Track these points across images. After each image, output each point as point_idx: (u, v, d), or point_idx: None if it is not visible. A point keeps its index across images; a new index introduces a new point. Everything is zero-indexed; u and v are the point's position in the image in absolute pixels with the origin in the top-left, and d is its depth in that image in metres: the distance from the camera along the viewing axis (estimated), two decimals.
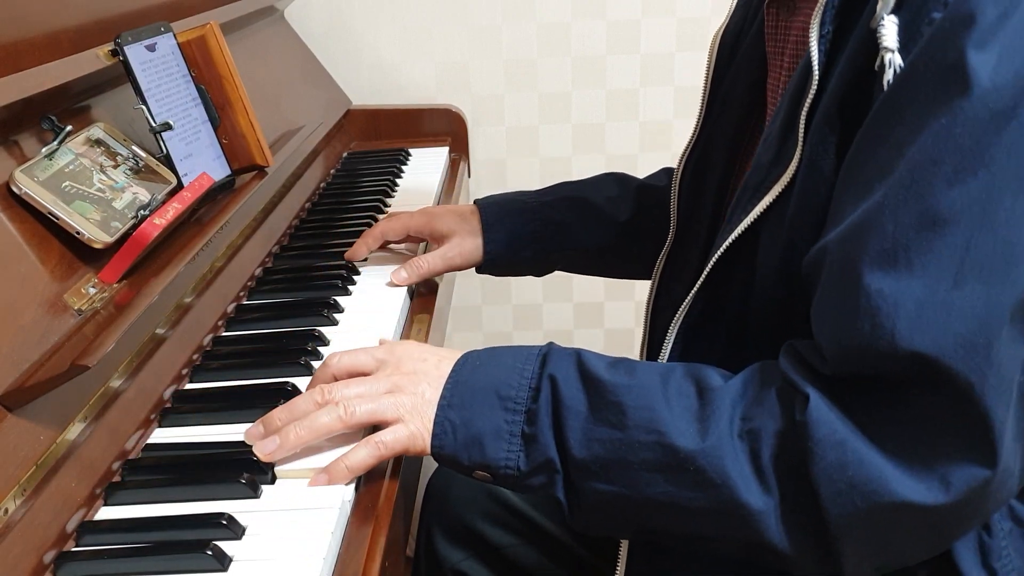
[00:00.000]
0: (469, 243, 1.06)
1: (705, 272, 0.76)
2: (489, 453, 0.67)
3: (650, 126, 1.80)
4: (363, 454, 0.69)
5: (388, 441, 0.69)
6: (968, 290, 0.55)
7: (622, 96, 1.77)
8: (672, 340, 0.80)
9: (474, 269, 1.09)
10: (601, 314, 1.91)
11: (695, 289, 0.77)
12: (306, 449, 0.71)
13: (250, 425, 0.74)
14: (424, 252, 1.13)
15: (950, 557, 0.65)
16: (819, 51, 0.65)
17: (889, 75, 0.58)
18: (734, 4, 0.91)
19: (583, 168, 1.82)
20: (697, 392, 0.65)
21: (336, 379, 0.74)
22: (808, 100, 0.66)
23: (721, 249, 0.74)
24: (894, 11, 0.58)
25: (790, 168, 0.67)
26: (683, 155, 0.93)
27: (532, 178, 1.82)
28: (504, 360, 0.70)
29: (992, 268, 0.55)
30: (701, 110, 0.91)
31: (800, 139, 0.66)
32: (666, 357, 0.80)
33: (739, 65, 0.87)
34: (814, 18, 0.65)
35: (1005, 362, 0.55)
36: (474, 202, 1.10)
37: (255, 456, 0.71)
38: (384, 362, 0.74)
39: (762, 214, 0.70)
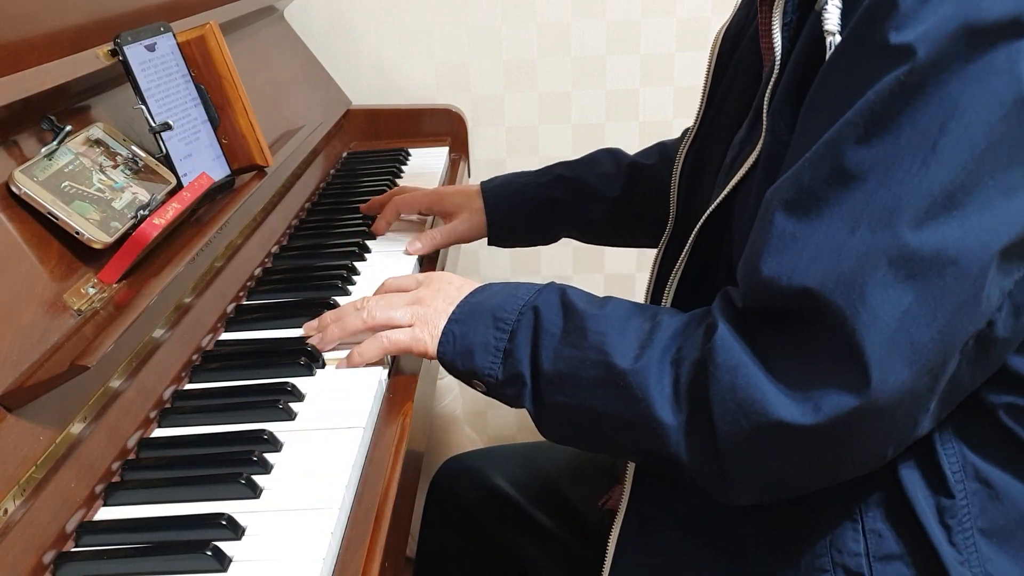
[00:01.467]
0: (475, 219, 1.15)
1: (689, 243, 0.82)
2: (477, 362, 0.78)
3: (650, 126, 1.80)
4: (371, 345, 0.84)
5: (392, 337, 0.83)
6: (857, 237, 0.61)
7: (622, 96, 1.77)
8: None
9: (486, 241, 1.18)
10: None
11: (682, 258, 0.83)
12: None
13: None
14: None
15: (912, 515, 0.70)
16: (782, 37, 0.72)
17: (830, 56, 0.65)
18: (738, 1, 0.93)
19: None
20: (652, 326, 0.73)
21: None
22: (771, 82, 0.72)
23: (700, 222, 0.81)
24: None
25: (758, 147, 0.74)
26: (683, 148, 0.95)
27: None
28: (509, 289, 0.81)
29: (880, 219, 0.61)
30: (701, 104, 0.93)
31: (765, 119, 0.73)
32: None
33: (739, 62, 0.89)
34: (776, 7, 0.72)
35: (882, 304, 0.60)
36: (480, 183, 1.19)
37: (255, 455, 0.71)
38: (421, 282, 0.87)
39: (737, 188, 0.77)
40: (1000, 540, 0.70)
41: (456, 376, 0.81)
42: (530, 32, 1.72)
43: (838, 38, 0.64)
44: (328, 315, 0.89)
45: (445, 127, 1.70)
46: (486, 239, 1.18)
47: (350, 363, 0.85)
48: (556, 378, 0.74)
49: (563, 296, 0.78)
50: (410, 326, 0.82)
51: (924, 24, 0.59)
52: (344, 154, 1.59)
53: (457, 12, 1.71)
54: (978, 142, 0.59)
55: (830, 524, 0.72)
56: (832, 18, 0.64)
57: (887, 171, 0.60)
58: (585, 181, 1.15)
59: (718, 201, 0.78)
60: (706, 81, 0.93)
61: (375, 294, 0.91)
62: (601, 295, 0.79)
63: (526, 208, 1.16)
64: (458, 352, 0.79)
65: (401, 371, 0.89)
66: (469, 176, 1.71)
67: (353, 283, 1.05)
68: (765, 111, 0.73)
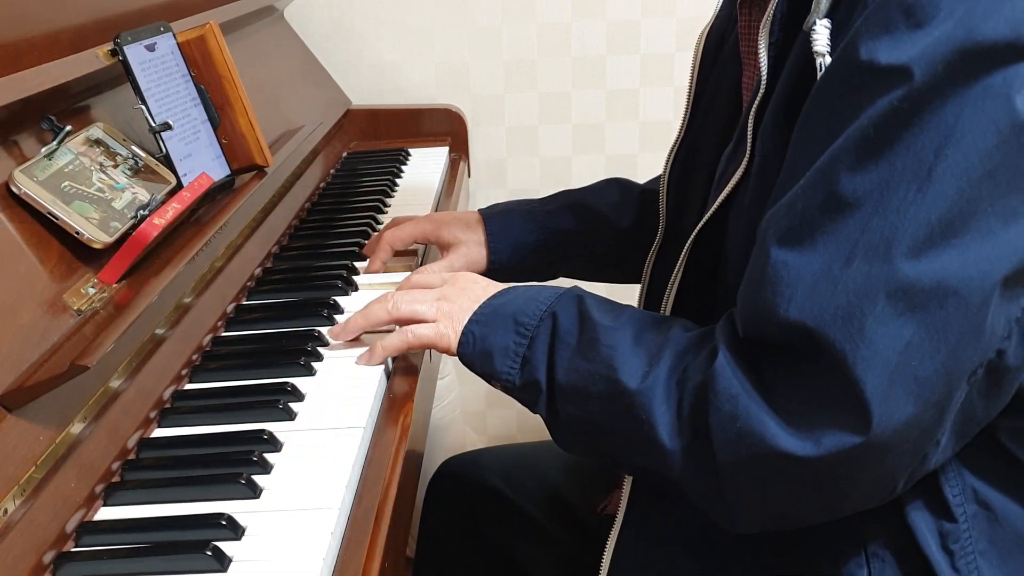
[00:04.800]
0: (475, 253, 1.07)
1: (682, 256, 0.81)
2: (496, 366, 0.77)
3: (650, 126, 1.80)
4: (395, 338, 0.84)
5: (416, 332, 0.82)
6: (854, 268, 0.60)
7: (622, 96, 1.77)
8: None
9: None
10: None
11: (676, 271, 0.82)
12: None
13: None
14: (425, 255, 1.13)
15: (912, 540, 0.69)
16: (767, 55, 0.71)
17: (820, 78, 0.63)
18: (720, 3, 0.93)
19: (583, 168, 1.82)
20: (663, 342, 0.72)
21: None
22: (756, 100, 0.72)
23: (692, 235, 0.80)
24: (829, 15, 0.64)
25: (742, 164, 0.74)
26: (670, 153, 0.94)
27: (532, 178, 1.82)
28: (532, 293, 0.80)
29: (876, 249, 0.59)
30: (687, 109, 0.92)
31: (748, 136, 0.72)
32: None
33: (723, 64, 0.88)
34: (763, 25, 0.71)
35: (882, 338, 0.59)
36: (478, 211, 1.11)
37: (255, 455, 0.71)
38: (446, 280, 0.87)
39: (727, 204, 0.77)
40: (998, 562, 0.70)
41: (477, 374, 0.80)
42: (530, 32, 1.72)
43: (828, 59, 0.63)
44: (357, 311, 0.88)
45: (445, 127, 1.70)
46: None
47: (373, 357, 0.84)
48: (568, 389, 0.74)
49: (580, 304, 0.77)
50: (435, 321, 0.82)
51: (918, 46, 0.57)
52: (344, 154, 1.59)
53: (457, 12, 1.71)
54: (975, 169, 0.58)
55: (830, 547, 0.71)
56: (821, 39, 0.63)
57: (882, 199, 0.59)
58: (596, 210, 1.09)
59: (708, 215, 0.78)
60: (691, 85, 0.92)
61: (399, 288, 0.90)
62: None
63: (532, 239, 1.08)
64: (477, 354, 0.79)
65: (401, 371, 0.89)
66: (469, 175, 1.71)
67: (353, 284, 1.05)
68: (750, 129, 0.72)
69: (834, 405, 0.61)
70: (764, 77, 0.71)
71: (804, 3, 0.66)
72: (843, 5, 0.63)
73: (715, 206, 0.77)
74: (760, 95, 0.72)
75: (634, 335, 0.73)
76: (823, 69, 0.63)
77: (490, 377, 0.79)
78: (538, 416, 0.78)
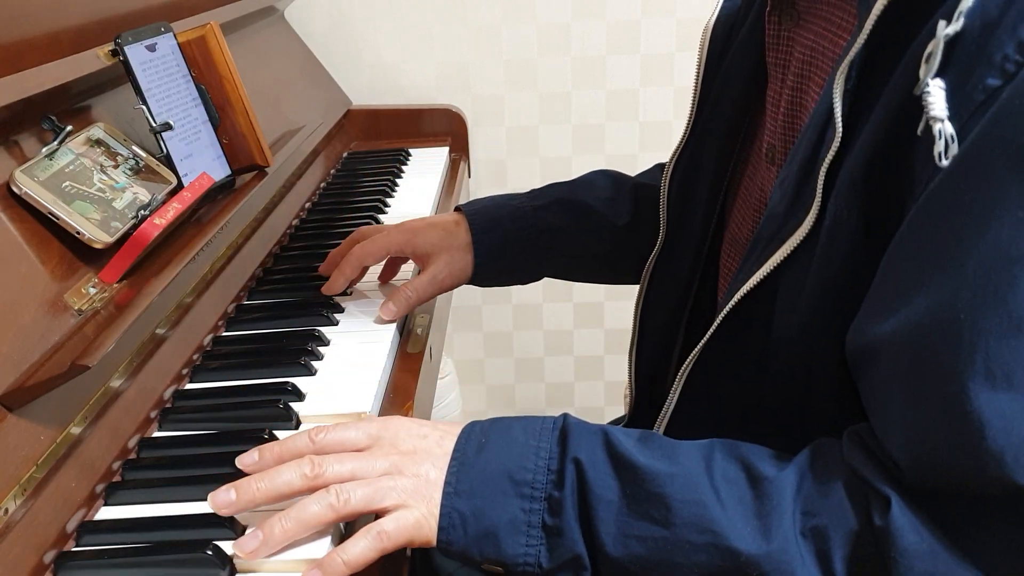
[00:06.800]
0: (458, 259, 0.96)
1: (715, 324, 0.71)
2: (505, 548, 0.60)
3: (650, 126, 1.80)
4: (363, 546, 0.60)
5: (391, 531, 0.60)
6: None
7: (622, 96, 1.78)
8: (676, 396, 0.76)
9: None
10: (601, 314, 1.91)
11: (704, 341, 0.72)
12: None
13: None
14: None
15: None
16: (842, 104, 0.60)
17: (940, 146, 0.52)
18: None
19: (583, 168, 1.80)
20: (748, 481, 0.59)
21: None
22: (830, 155, 0.61)
23: (733, 301, 0.68)
24: (937, 74, 0.53)
25: (806, 223, 0.63)
26: (673, 155, 0.90)
27: (532, 178, 1.83)
28: (514, 436, 0.63)
29: None
30: (692, 109, 0.88)
31: (818, 194, 0.62)
32: (668, 413, 0.77)
33: (732, 62, 0.84)
34: (840, 72, 0.60)
35: None
36: (457, 208, 1.01)
37: None
38: (378, 438, 0.65)
39: (780, 269, 0.65)
40: None
41: (467, 565, 0.64)
42: (530, 32, 1.72)
43: (948, 125, 0.52)
44: (256, 484, 0.62)
45: (445, 127, 1.70)
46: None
47: (329, 574, 0.59)
48: (631, 563, 0.59)
49: (608, 446, 0.61)
50: (402, 507, 0.61)
51: None
52: (344, 154, 1.59)
53: (457, 12, 1.71)
54: None
55: None
56: (938, 102, 0.52)
57: None
58: (589, 206, 0.99)
59: (756, 282, 0.67)
60: (696, 83, 0.87)
61: (296, 448, 0.65)
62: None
63: (522, 238, 0.97)
64: (473, 538, 0.60)
65: (401, 371, 0.89)
66: (469, 175, 1.71)
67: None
68: (820, 186, 0.62)
69: None
70: (840, 132, 0.60)
71: (885, 46, 0.59)
72: (957, 61, 0.53)
73: (769, 267, 0.65)
74: (835, 150, 0.61)
75: (708, 478, 0.59)
76: (942, 136, 0.52)
77: (498, 564, 0.61)
78: None
